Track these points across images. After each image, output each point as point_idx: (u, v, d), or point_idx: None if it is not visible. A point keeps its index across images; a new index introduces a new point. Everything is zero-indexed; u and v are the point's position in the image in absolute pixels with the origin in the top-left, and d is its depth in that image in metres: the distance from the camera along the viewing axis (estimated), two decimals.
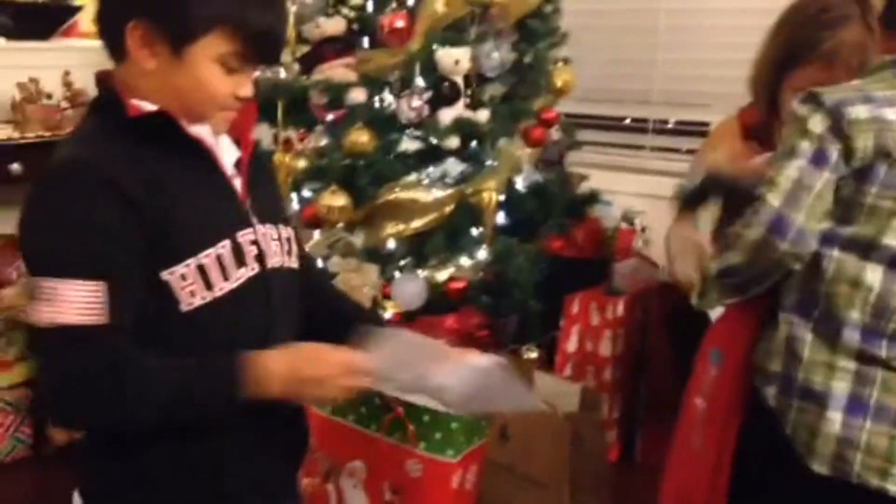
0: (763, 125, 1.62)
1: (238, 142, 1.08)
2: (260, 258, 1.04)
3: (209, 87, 0.98)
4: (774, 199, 1.13)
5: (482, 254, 2.20)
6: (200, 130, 1.01)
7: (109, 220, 0.93)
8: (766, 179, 1.17)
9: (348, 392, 0.98)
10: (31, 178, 1.36)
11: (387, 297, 2.08)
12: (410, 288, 2.06)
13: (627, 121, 2.79)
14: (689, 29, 2.57)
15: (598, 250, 2.48)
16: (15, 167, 2.37)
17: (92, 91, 2.63)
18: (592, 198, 2.45)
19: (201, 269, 0.97)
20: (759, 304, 1.24)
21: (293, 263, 1.11)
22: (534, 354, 2.12)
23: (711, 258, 1.27)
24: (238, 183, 1.05)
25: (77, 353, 0.91)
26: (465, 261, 2.19)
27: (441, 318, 2.12)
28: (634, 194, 2.62)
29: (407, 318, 2.10)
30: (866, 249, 1.14)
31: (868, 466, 1.13)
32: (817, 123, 1.14)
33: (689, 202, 1.46)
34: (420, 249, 2.14)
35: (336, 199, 2.00)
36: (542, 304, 2.19)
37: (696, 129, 2.63)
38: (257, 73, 2.03)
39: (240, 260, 1.01)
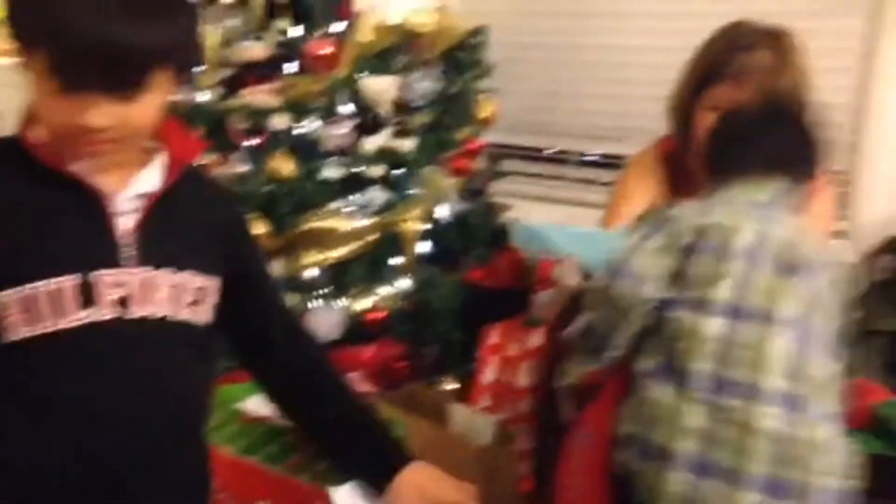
0: (679, 152, 1.72)
1: (165, 173, 1.02)
2: (123, 303, 0.96)
3: (42, 112, 0.92)
4: (619, 258, 1.30)
5: (404, 283, 2.20)
6: (81, 164, 0.95)
7: None
8: None
9: None
10: None
11: None
12: (328, 318, 2.04)
13: (549, 152, 2.85)
14: (609, 65, 2.65)
15: (520, 280, 2.51)
16: None
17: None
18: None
19: (29, 300, 0.91)
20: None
21: (191, 316, 1.02)
22: (453, 386, 2.13)
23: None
24: (128, 219, 0.98)
25: None
26: (386, 290, 2.18)
27: (360, 349, 2.11)
28: (556, 224, 2.67)
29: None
30: (698, 306, 1.24)
31: None
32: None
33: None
34: (341, 278, 2.13)
35: (256, 227, 1.97)
36: (463, 335, 2.20)
37: (614, 162, 2.71)
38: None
39: (86, 300, 0.94)
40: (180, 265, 1.01)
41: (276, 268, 2.07)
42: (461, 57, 2.35)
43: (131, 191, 0.99)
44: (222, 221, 1.14)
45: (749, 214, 1.29)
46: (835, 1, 2.17)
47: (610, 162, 2.71)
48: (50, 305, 0.91)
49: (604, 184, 2.75)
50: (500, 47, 2.46)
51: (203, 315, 1.04)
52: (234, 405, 1.51)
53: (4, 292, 0.91)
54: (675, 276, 1.27)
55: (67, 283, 0.92)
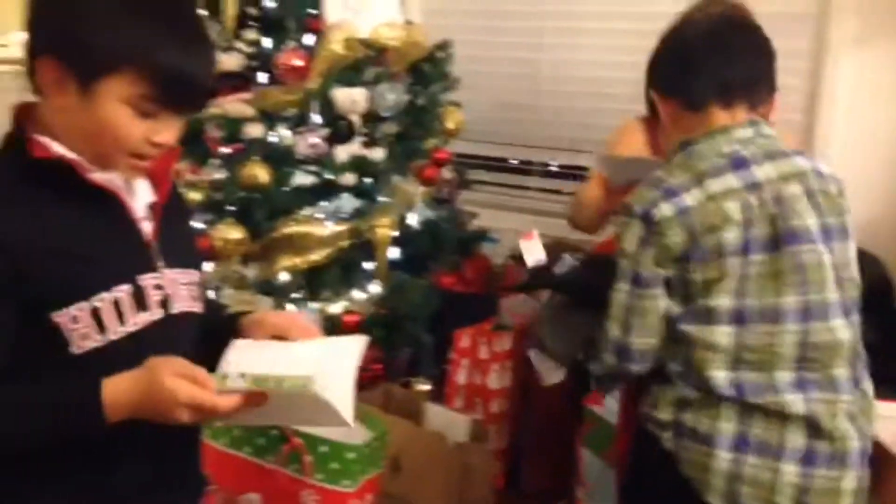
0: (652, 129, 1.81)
1: (154, 183, 1.06)
2: (165, 303, 1.03)
3: (116, 130, 0.95)
4: (615, 330, 1.32)
5: (376, 288, 2.25)
6: (107, 175, 0.99)
7: None
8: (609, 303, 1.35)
9: (193, 422, 0.94)
10: None
11: None
12: None
13: (514, 162, 2.93)
14: (566, 80, 2.75)
15: (487, 286, 2.57)
16: None
17: None
18: (481, 235, 2.55)
19: (95, 313, 0.96)
20: None
21: (199, 308, 1.10)
22: (426, 387, 2.17)
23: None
24: (148, 226, 1.04)
25: None
26: (358, 294, 2.23)
27: None
28: (521, 232, 2.74)
29: None
30: (706, 316, 1.27)
31: (755, 497, 1.25)
32: (631, 238, 1.29)
33: (521, 289, 1.78)
34: (314, 283, 2.16)
35: (232, 232, 2.00)
36: (433, 338, 2.25)
37: (576, 173, 2.80)
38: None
39: (140, 304, 1.00)
40: (186, 264, 1.08)
41: (251, 272, 2.10)
42: (427, 70, 2.42)
43: (140, 200, 1.05)
44: (189, 219, 1.25)
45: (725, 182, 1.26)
46: (782, 22, 2.27)
47: (571, 172, 2.80)
48: (113, 315, 0.97)
49: (566, 193, 2.84)
50: (465, 60, 2.54)
51: (201, 305, 1.11)
52: None
53: (75, 306, 0.95)
54: (675, 287, 1.30)
55: (123, 292, 0.98)
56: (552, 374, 1.83)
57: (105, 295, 0.97)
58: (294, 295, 2.12)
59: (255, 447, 1.46)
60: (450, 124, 2.46)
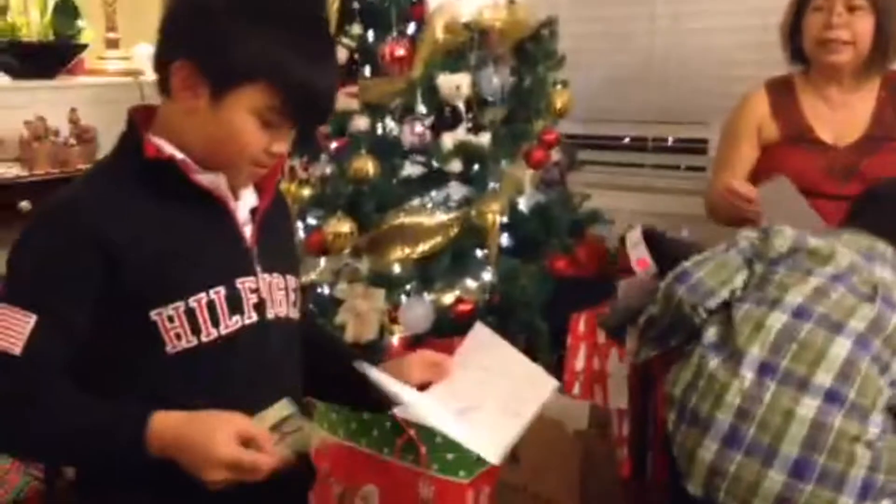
0: (788, 79, 1.93)
1: (259, 189, 1.08)
2: (260, 307, 1.04)
3: (241, 139, 0.98)
4: (687, 262, 1.45)
5: (487, 275, 2.22)
6: (215, 179, 1.01)
7: (71, 264, 0.94)
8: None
9: (217, 484, 0.93)
10: None
11: (394, 321, 2.10)
12: (417, 311, 2.07)
13: (626, 140, 2.82)
14: (683, 48, 2.61)
15: (602, 269, 2.49)
16: (24, 204, 2.41)
17: (100, 127, 2.68)
18: (594, 217, 2.47)
19: (190, 313, 0.97)
20: None
21: (295, 314, 1.11)
22: None
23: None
24: (248, 230, 1.06)
25: None
26: (470, 283, 2.21)
27: (449, 341, 2.13)
28: (636, 212, 2.64)
29: (415, 341, 2.11)
30: (772, 304, 1.34)
31: (733, 494, 1.25)
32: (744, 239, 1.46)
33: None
34: (426, 273, 2.16)
35: (342, 226, 2.03)
36: (548, 324, 2.20)
37: (694, 147, 2.66)
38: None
39: (235, 307, 1.01)
40: (283, 270, 1.10)
41: (363, 265, 2.12)
42: (532, 49, 2.36)
43: (244, 204, 1.07)
44: (290, 227, 1.29)
45: (847, 246, 1.40)
46: None
47: (688, 147, 2.67)
48: (207, 316, 0.98)
49: (686, 168, 2.72)
50: (571, 38, 2.46)
51: (297, 312, 1.13)
52: None
53: (172, 306, 0.96)
54: (746, 283, 1.41)
55: (219, 294, 1.00)
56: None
57: (201, 296, 0.99)
58: (407, 286, 2.13)
59: (371, 439, 1.47)
60: (558, 104, 2.39)
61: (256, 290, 1.04)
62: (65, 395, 0.95)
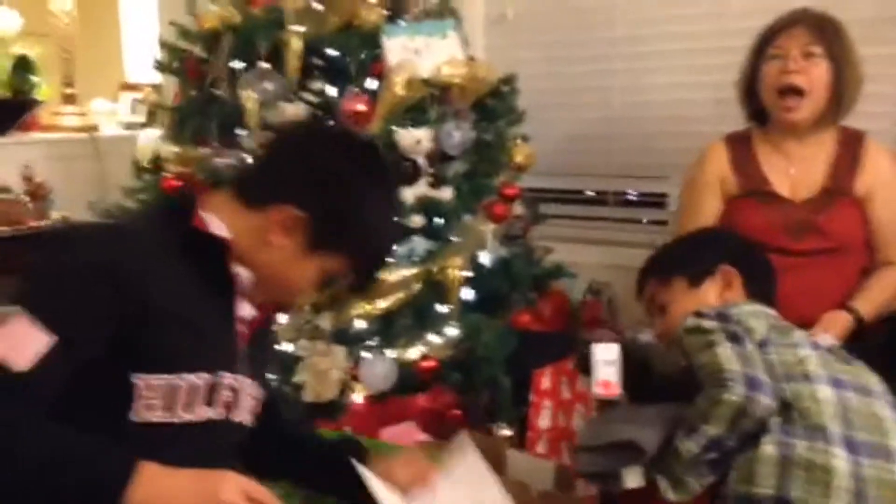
0: (745, 134, 1.97)
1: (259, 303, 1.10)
2: (230, 406, 1.05)
3: (304, 287, 1.05)
4: (735, 365, 1.26)
5: (451, 331, 2.19)
6: (250, 277, 1.04)
7: (100, 297, 0.92)
8: (704, 364, 1.31)
9: None
10: None
11: (355, 378, 2.05)
12: (379, 369, 2.03)
13: (589, 193, 2.84)
14: (642, 104, 2.65)
15: (566, 323, 2.48)
16: None
17: (54, 184, 2.62)
18: (557, 271, 2.47)
19: (171, 389, 0.96)
20: None
21: (251, 423, 1.13)
22: (507, 432, 2.09)
23: (680, 442, 1.31)
24: (244, 331, 1.08)
25: None
26: (433, 338, 2.17)
27: (412, 399, 2.09)
28: (599, 265, 2.64)
29: (377, 400, 2.07)
30: (804, 378, 1.31)
31: None
32: (712, 325, 1.35)
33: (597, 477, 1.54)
34: (388, 329, 2.12)
35: None
36: (512, 380, 2.17)
37: (655, 200, 2.69)
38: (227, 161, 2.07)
39: (210, 399, 1.01)
40: (260, 381, 1.13)
41: (324, 321, 2.08)
42: (492, 105, 2.38)
43: (245, 311, 1.08)
44: (273, 345, 1.39)
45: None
46: (873, 27, 2.13)
47: (649, 201, 2.70)
48: (186, 399, 0.98)
49: (647, 223, 2.73)
50: (531, 94, 2.49)
51: (253, 421, 1.14)
52: None
53: (157, 375, 0.96)
54: None
55: (202, 380, 1.00)
56: (634, 477, 1.67)
57: (187, 377, 0.98)
58: (369, 342, 2.09)
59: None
60: (519, 159, 2.40)
61: (234, 390, 1.05)
62: (53, 423, 0.91)
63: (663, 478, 1.32)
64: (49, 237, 1.00)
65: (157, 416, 0.96)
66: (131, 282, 0.93)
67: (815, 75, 1.80)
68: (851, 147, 1.88)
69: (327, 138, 1.11)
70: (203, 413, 1.00)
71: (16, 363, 0.88)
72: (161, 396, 0.95)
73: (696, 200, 1.98)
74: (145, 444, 0.95)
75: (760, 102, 1.90)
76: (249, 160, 2.14)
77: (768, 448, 1.26)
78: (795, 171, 1.88)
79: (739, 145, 1.95)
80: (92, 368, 0.93)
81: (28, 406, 0.89)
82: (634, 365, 1.48)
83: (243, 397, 1.07)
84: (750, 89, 1.92)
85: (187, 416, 0.98)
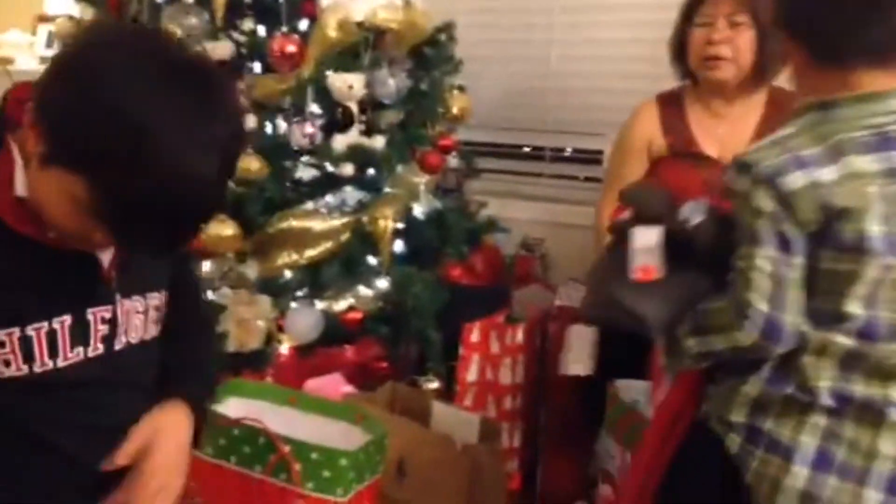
0: (678, 93, 1.95)
1: None
2: (109, 338, 0.99)
3: (54, 216, 0.89)
4: (762, 304, 1.11)
5: (380, 283, 2.16)
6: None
7: None
8: (740, 272, 1.14)
9: None
10: None
11: (281, 329, 2.00)
12: (305, 320, 1.98)
13: (525, 149, 2.82)
14: (580, 59, 2.62)
15: (498, 278, 2.47)
16: None
17: None
18: (491, 225, 2.44)
19: (25, 340, 0.91)
20: None
21: (154, 332, 1.06)
22: (434, 385, 2.08)
23: (684, 334, 1.22)
24: (107, 256, 0.99)
25: None
26: (363, 290, 2.13)
27: (339, 350, 2.06)
28: (533, 221, 2.63)
29: (303, 351, 2.03)
30: (830, 321, 1.12)
31: None
32: (765, 200, 1.10)
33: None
34: (316, 280, 2.07)
35: (224, 229, 1.91)
36: (441, 333, 2.16)
37: (592, 157, 2.67)
38: None
39: (79, 339, 0.95)
40: (144, 288, 1.04)
41: (250, 270, 2.01)
42: (429, 53, 2.32)
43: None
44: None
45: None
46: None
47: (586, 157, 2.68)
48: (45, 346, 0.92)
49: (583, 179, 2.73)
50: (468, 44, 2.43)
51: (160, 324, 1.08)
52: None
53: (4, 330, 0.90)
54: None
55: (63, 323, 0.94)
56: (580, 365, 1.62)
57: (42, 324, 0.92)
58: (297, 293, 2.04)
59: (241, 456, 1.38)
60: (455, 110, 2.35)
61: (110, 320, 0.98)
62: None
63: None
64: None
65: (17, 370, 0.91)
66: None
67: (740, 44, 1.80)
68: (781, 107, 1.89)
69: (99, 31, 1.00)
70: (73, 355, 0.95)
71: None
72: (13, 350, 0.91)
73: (621, 164, 1.98)
74: (20, 401, 0.92)
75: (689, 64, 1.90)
76: None
77: (752, 386, 1.17)
78: (724, 131, 1.89)
79: (670, 105, 1.95)
80: None
81: None
82: (677, 247, 1.25)
83: (130, 319, 1.01)
84: (680, 51, 1.91)
85: (55, 363, 0.94)
